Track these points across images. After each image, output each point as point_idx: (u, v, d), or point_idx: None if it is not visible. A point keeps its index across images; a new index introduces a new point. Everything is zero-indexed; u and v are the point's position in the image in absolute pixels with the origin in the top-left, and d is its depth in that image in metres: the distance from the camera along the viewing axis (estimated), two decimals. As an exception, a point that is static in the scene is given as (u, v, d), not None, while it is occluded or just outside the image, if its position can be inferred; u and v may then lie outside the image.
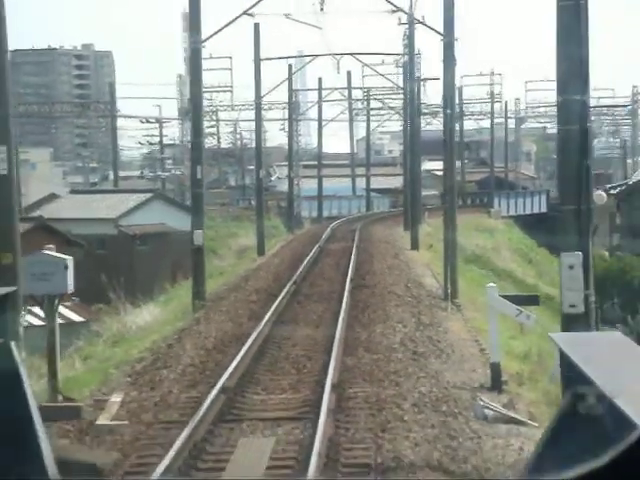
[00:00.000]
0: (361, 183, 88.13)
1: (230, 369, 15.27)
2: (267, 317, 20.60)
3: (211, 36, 24.60)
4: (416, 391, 14.02)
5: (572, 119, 12.17)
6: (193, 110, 25.85)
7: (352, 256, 34.82)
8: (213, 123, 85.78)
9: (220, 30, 24.80)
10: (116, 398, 14.23)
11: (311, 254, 36.74)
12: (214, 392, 13.70)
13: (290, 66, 50.05)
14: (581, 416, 3.24)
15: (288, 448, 11.52)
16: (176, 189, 78.87)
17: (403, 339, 18.16)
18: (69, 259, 14.47)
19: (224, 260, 47.29)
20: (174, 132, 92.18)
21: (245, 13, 25.72)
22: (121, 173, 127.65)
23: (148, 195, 64.52)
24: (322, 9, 34.53)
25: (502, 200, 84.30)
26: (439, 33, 25.94)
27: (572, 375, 3.52)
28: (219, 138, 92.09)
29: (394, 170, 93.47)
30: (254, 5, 25.82)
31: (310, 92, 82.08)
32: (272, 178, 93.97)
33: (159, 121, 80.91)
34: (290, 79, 51.08)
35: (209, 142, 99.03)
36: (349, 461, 11.02)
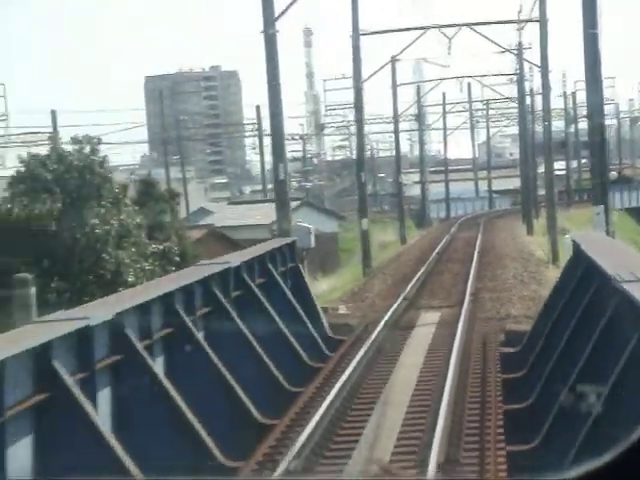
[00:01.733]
0: (484, 185, 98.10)
1: (405, 291, 26.00)
2: (422, 270, 31.45)
3: (367, 79, 35.35)
4: (520, 294, 24.56)
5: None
6: (358, 134, 36.71)
7: (478, 239, 45.32)
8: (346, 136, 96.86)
9: (373, 74, 35.49)
10: (342, 308, 25.15)
11: (445, 239, 47.43)
12: (399, 299, 24.37)
13: (418, 87, 60.85)
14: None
15: (447, 317, 22.11)
16: (318, 197, 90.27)
17: (514, 275, 28.90)
18: (312, 227, 25.44)
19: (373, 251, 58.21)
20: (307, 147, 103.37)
21: (393, 60, 36.44)
22: (256, 187, 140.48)
23: (297, 203, 75.95)
24: (449, 53, 45.14)
25: (617, 194, 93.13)
26: (537, 66, 36.32)
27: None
28: (351, 150, 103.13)
29: (514, 172, 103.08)
30: (399, 53, 36.46)
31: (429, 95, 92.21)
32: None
33: (302, 137, 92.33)
34: (419, 98, 61.67)
35: (342, 154, 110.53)
36: (483, 320, 21.67)
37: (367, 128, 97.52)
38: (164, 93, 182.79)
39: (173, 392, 10.78)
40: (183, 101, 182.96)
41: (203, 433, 10.67)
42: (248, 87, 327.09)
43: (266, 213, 75.30)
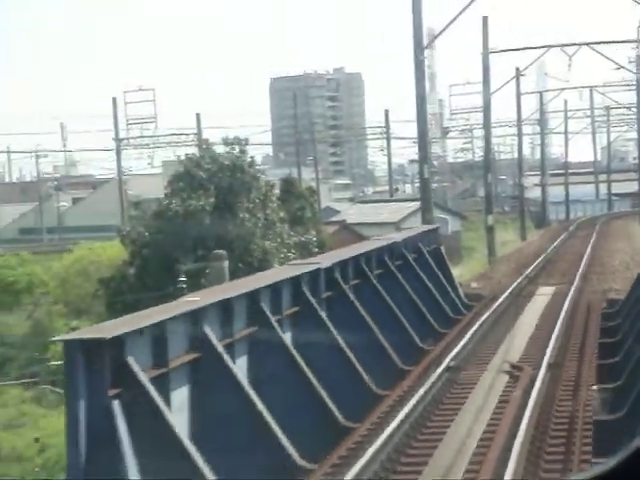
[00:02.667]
0: (604, 188, 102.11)
1: (526, 272, 31.52)
2: (541, 258, 36.94)
3: (495, 91, 40.66)
4: (624, 275, 29.96)
5: None
6: (485, 143, 42.17)
7: (593, 237, 50.40)
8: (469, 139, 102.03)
9: (500, 87, 40.90)
10: (474, 284, 30.83)
11: (562, 237, 52.58)
12: (521, 278, 29.90)
13: (541, 94, 66.06)
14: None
15: (560, 290, 27.57)
16: (441, 198, 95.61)
17: (621, 262, 34.22)
18: (449, 218, 31.24)
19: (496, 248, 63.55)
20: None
21: (517, 74, 41.75)
22: (378, 188, 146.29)
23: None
24: (569, 69, 50.34)
25: None
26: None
27: None
28: (473, 152, 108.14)
29: (635, 175, 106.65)
30: (525, 69, 41.76)
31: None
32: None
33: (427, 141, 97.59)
34: (541, 106, 66.82)
35: (463, 157, 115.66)
36: (589, 292, 27.13)
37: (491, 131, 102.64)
38: (288, 95, 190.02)
39: (302, 364, 12.91)
40: (307, 103, 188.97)
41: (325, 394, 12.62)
42: (371, 89, 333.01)
43: (392, 212, 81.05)
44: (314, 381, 13.05)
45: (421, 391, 13.63)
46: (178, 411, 10.60)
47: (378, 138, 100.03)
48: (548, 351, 16.21)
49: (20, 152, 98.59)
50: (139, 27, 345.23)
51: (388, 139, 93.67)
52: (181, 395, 11.02)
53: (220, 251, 29.64)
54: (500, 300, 23.60)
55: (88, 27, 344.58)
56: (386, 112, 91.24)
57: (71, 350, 9.22)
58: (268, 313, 13.57)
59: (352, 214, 79.90)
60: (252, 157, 49.19)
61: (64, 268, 57.72)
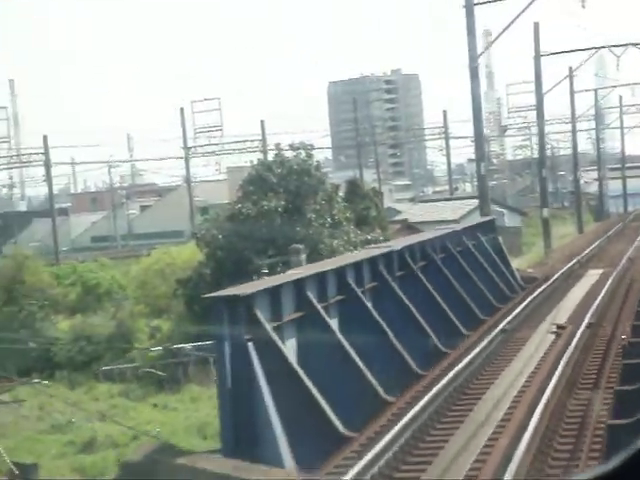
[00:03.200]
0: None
1: (577, 258, 34.65)
2: (593, 246, 39.99)
3: (548, 91, 43.69)
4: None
5: None
6: (539, 141, 45.23)
7: (647, 227, 53.39)
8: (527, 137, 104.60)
9: (553, 87, 43.96)
10: (530, 269, 34.01)
11: (616, 228, 55.45)
12: (572, 263, 33.01)
13: (595, 91, 69.00)
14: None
15: (607, 272, 30.63)
16: (501, 195, 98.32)
17: None
18: (505, 211, 34.44)
19: (552, 241, 66.44)
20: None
21: (570, 75, 44.68)
22: (438, 188, 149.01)
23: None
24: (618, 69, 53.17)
25: None
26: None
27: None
28: (532, 149, 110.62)
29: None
30: (576, 69, 44.73)
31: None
32: (580, 181, 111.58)
33: (485, 139, 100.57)
34: (596, 102, 69.69)
35: (523, 154, 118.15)
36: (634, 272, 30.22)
37: (548, 128, 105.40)
38: (346, 98, 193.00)
39: (383, 326, 16.10)
40: (366, 106, 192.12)
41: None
42: (428, 89, 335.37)
43: (453, 210, 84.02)
44: (393, 341, 16.39)
45: (477, 348, 16.92)
46: (290, 353, 13.96)
47: (437, 138, 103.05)
48: (589, 315, 19.43)
49: (95, 162, 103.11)
50: (203, 38, 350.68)
51: (447, 139, 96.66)
52: (291, 342, 14.40)
53: (298, 245, 32.79)
54: (551, 281, 26.78)
55: (153, 38, 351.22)
56: (444, 113, 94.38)
57: (218, 304, 12.71)
58: (353, 285, 16.97)
59: (414, 213, 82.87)
60: (318, 161, 51.69)
61: (143, 271, 61.30)
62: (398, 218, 78.44)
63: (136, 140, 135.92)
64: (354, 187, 62.35)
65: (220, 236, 47.47)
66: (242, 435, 12.17)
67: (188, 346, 33.28)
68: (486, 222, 30.38)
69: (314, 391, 12.81)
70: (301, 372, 13.01)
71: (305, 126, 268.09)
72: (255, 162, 52.02)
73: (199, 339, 35.48)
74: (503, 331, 18.96)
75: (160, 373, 34.16)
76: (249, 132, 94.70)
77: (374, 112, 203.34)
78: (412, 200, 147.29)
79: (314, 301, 14.93)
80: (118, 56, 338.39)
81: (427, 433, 12.45)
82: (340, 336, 14.90)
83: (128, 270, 63.71)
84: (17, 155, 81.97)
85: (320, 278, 15.79)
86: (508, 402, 13.56)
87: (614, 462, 2.55)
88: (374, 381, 14.29)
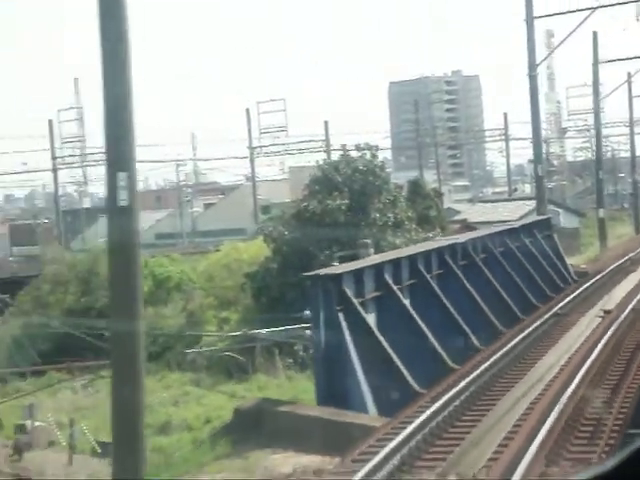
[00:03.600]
0: None
1: (630, 256, 37.04)
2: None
3: (606, 96, 46.14)
4: None
5: None
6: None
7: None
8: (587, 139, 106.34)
9: (611, 92, 46.19)
10: (583, 265, 36.44)
11: (673, 229, 57.66)
12: (623, 260, 35.40)
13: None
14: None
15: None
16: (560, 197, 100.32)
17: None
18: (560, 211, 36.99)
19: (609, 240, 68.50)
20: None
21: (628, 80, 46.83)
22: (497, 189, 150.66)
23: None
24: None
25: None
26: None
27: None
28: (592, 151, 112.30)
29: None
30: (634, 74, 46.92)
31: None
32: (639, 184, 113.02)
33: (545, 141, 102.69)
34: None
35: (583, 156, 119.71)
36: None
37: (608, 131, 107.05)
38: (406, 99, 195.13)
39: (449, 308, 19.41)
40: (427, 107, 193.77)
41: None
42: (489, 90, 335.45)
43: (511, 210, 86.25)
44: (458, 319, 19.16)
45: (531, 328, 19.63)
46: (371, 323, 16.83)
47: (496, 140, 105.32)
48: (633, 303, 22.04)
49: (162, 161, 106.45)
50: (270, 39, 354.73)
51: (507, 141, 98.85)
52: (372, 316, 17.23)
53: (366, 240, 35.50)
54: (602, 275, 29.33)
55: (220, 38, 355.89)
56: (505, 115, 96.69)
57: (314, 281, 15.57)
58: (423, 271, 19.77)
59: (473, 213, 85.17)
60: (382, 161, 54.09)
61: (211, 265, 64.34)
62: (457, 218, 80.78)
63: (200, 139, 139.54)
64: (416, 187, 64.83)
65: (286, 233, 50.20)
66: (334, 389, 15.01)
67: (264, 331, 35.94)
68: (542, 220, 32.93)
69: (392, 354, 15.61)
70: (382, 338, 15.82)
71: (367, 127, 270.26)
72: (318, 162, 54.81)
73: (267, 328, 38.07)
74: (555, 315, 21.59)
75: (238, 357, 36.83)
76: (313, 132, 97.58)
77: (434, 113, 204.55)
78: (471, 201, 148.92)
79: (390, 283, 17.72)
80: (186, 56, 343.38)
81: (487, 389, 15.19)
82: (412, 312, 17.68)
83: (196, 265, 66.82)
84: (83, 154, 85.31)
85: (395, 264, 18.58)
86: (558, 367, 16.28)
87: (613, 462, 2.57)
88: (442, 351, 17.06)
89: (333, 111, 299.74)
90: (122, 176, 11.22)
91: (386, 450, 11.11)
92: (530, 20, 33.36)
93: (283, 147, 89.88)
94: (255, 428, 14.61)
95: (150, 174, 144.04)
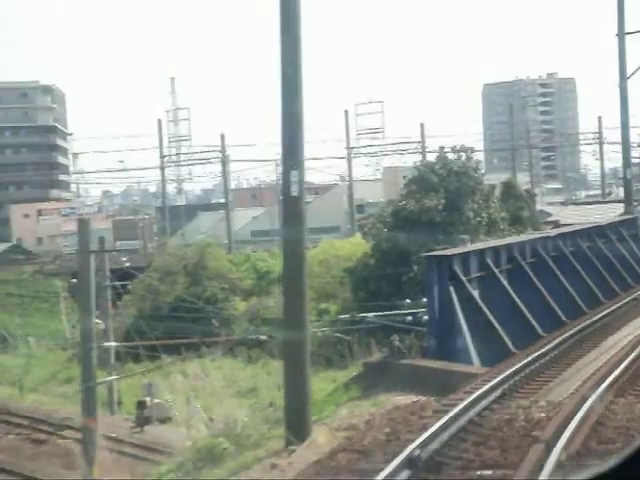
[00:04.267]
0: None
1: None
2: None
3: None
4: None
5: None
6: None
7: None
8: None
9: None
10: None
11: None
12: None
13: None
14: None
15: None
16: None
17: None
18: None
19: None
20: None
21: None
22: (590, 192, 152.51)
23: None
24: None
25: None
26: None
27: None
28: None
29: None
30: None
31: None
32: None
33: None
34: None
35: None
36: None
37: None
38: (500, 101, 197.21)
39: (541, 289, 23.52)
40: (521, 109, 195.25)
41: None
42: (585, 93, 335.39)
43: (603, 212, 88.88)
44: (547, 297, 22.95)
45: (610, 309, 23.30)
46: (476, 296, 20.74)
47: (591, 143, 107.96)
48: None
49: (261, 161, 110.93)
50: (370, 42, 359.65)
51: (600, 144, 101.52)
52: (476, 292, 21.13)
53: (465, 236, 39.04)
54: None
55: (319, 41, 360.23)
56: (599, 119, 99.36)
57: (430, 260, 19.53)
58: (519, 258, 23.61)
59: (564, 215, 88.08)
60: (477, 163, 57.11)
61: (309, 260, 68.27)
62: (549, 220, 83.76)
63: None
64: (509, 188, 67.88)
65: (385, 230, 53.63)
66: (444, 346, 18.96)
67: (370, 315, 39.48)
68: (629, 219, 36.38)
69: (493, 321, 19.50)
70: (484, 308, 19.72)
71: (460, 128, 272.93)
72: (415, 163, 58.41)
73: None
74: (634, 299, 25.21)
75: (346, 337, 40.28)
76: (407, 134, 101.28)
77: (528, 115, 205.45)
78: (563, 203, 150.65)
79: (492, 265, 21.61)
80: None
81: (570, 351, 19.00)
82: (510, 289, 21.53)
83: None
84: (190, 153, 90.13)
85: (495, 251, 22.47)
86: (631, 336, 20.01)
87: (613, 462, 2.70)
88: (534, 322, 20.91)
89: (428, 113, 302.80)
90: (294, 173, 15.17)
91: (485, 387, 14.94)
92: (621, 35, 36.82)
93: (379, 148, 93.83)
94: (380, 378, 18.51)
95: (244, 173, 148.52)
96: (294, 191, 15.23)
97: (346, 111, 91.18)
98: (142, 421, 41.40)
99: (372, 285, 50.63)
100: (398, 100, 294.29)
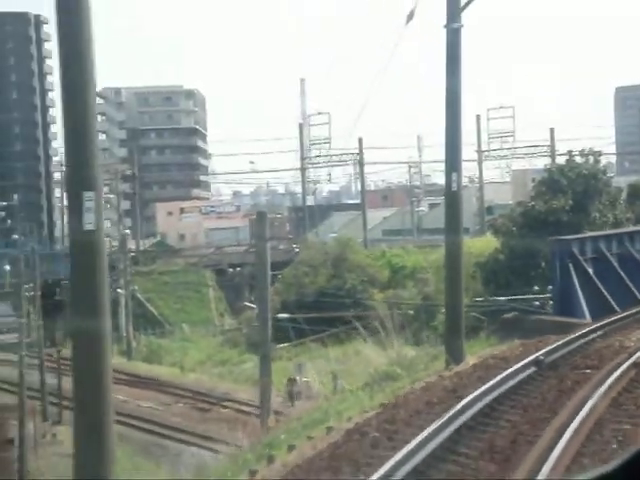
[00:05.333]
0: None
1: None
2: None
3: None
4: None
5: None
6: None
7: None
8: None
9: None
10: None
11: None
12: None
13: None
14: None
15: None
16: None
17: None
18: None
19: None
20: None
21: None
22: None
23: None
24: None
25: None
26: None
27: None
28: None
29: None
30: None
31: None
32: None
33: None
34: None
35: None
36: None
37: None
38: (633, 103, 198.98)
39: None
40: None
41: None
42: None
43: None
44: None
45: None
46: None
47: None
48: None
49: (395, 163, 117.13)
50: (499, 52, 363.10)
51: None
52: (590, 270, 27.55)
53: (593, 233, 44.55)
54: None
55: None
56: None
57: (555, 243, 26.08)
58: (627, 245, 29.84)
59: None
60: (604, 166, 61.67)
61: (441, 257, 74.52)
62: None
63: (425, 143, 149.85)
64: (636, 190, 72.40)
65: (514, 228, 58.77)
66: (565, 307, 25.44)
67: (502, 299, 45.19)
68: None
69: (604, 291, 25.88)
70: (597, 281, 26.12)
71: (590, 132, 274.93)
72: (546, 166, 63.62)
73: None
74: None
75: (482, 317, 45.96)
76: (539, 138, 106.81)
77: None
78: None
79: (604, 249, 27.96)
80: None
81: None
82: (619, 270, 27.82)
83: (427, 257, 77.19)
84: (330, 155, 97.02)
85: (607, 238, 28.82)
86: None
87: (614, 463, 2.73)
88: (636, 292, 27.17)
89: (558, 117, 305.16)
90: (454, 175, 21.86)
91: (593, 327, 21.37)
92: None
93: (509, 151, 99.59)
94: (514, 331, 25.00)
95: (372, 176, 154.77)
96: (454, 188, 21.96)
97: (478, 116, 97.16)
98: (292, 396, 47.44)
99: (501, 278, 55.28)
100: (528, 105, 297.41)
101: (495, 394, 15.11)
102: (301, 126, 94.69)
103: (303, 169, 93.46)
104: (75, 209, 12.25)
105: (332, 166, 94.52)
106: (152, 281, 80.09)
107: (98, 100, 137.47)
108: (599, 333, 21.02)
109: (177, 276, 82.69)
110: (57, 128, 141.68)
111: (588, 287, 25.46)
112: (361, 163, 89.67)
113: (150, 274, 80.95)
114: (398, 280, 75.25)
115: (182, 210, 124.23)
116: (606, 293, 25.28)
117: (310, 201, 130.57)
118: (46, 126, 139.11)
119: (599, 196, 57.35)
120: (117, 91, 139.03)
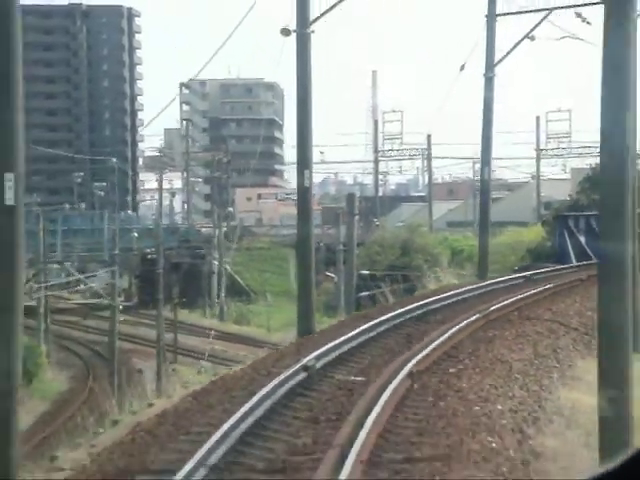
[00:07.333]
0: None
1: None
2: None
3: None
4: None
5: None
6: None
7: None
8: None
9: None
10: None
11: None
12: None
13: None
14: None
15: None
16: None
17: None
18: None
19: None
20: None
21: None
22: None
23: None
24: None
25: None
26: None
27: None
28: None
29: None
30: None
31: None
32: None
33: None
34: None
35: None
36: None
37: None
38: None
39: None
40: None
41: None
42: None
43: None
44: None
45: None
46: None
47: None
48: None
49: (460, 158, 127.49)
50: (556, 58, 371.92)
51: None
52: (582, 238, 42.12)
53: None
54: None
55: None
56: None
57: (559, 219, 40.81)
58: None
59: None
60: None
61: (497, 243, 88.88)
62: None
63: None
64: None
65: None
66: (561, 260, 40.11)
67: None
68: None
69: (589, 251, 40.43)
70: (585, 245, 40.64)
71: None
72: (590, 165, 77.44)
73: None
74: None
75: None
76: (594, 138, 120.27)
77: None
78: None
79: (594, 226, 42.41)
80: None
81: None
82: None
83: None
84: (401, 150, 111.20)
85: (598, 218, 43.25)
86: None
87: (614, 463, 2.83)
88: None
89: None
90: (486, 169, 36.58)
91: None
92: None
93: (566, 151, 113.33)
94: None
95: (440, 170, 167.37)
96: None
97: (537, 117, 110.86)
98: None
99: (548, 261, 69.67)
100: (586, 108, 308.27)
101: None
102: (376, 122, 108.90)
103: (377, 161, 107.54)
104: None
105: (402, 159, 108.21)
106: (240, 256, 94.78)
107: (184, 90, 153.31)
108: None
109: (261, 252, 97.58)
110: (144, 115, 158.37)
111: (578, 249, 39.50)
112: (429, 158, 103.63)
113: (238, 250, 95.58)
114: (457, 261, 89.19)
115: (259, 196, 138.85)
116: (591, 254, 39.28)
117: (379, 192, 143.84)
118: (134, 113, 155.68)
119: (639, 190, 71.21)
120: (202, 83, 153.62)
